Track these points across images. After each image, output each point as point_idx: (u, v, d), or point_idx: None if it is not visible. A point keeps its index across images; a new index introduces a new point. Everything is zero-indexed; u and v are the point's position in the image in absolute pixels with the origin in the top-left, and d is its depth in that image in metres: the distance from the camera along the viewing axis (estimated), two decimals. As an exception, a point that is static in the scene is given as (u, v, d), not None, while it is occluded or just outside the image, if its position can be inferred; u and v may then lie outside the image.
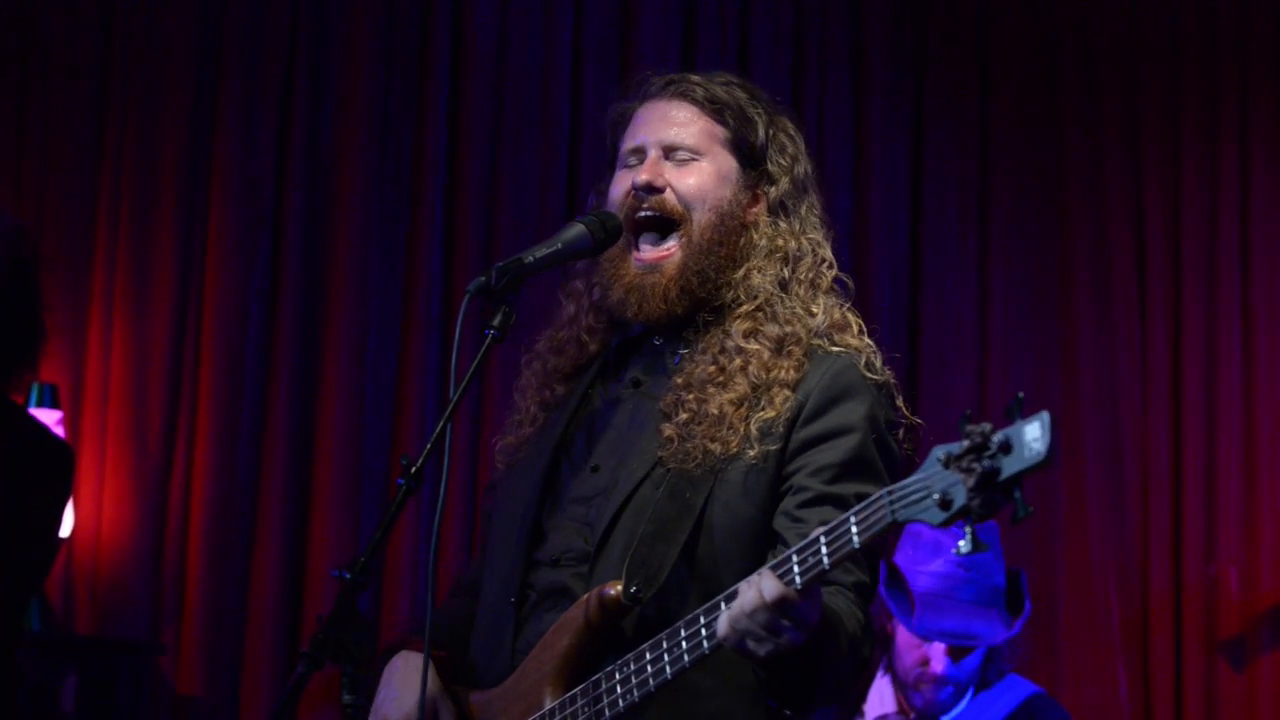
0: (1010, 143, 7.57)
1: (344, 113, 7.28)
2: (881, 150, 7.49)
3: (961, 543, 2.73)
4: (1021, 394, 2.73)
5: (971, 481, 2.70)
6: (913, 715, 5.57)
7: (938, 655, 5.46)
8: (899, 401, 3.45)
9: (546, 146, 7.33)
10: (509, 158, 7.32)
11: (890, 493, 2.85)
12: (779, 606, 2.93)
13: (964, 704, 5.54)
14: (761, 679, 3.16)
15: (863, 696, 5.69)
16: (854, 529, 2.89)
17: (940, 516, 2.75)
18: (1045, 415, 2.66)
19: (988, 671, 5.57)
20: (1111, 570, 7.21)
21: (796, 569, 2.93)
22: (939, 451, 2.77)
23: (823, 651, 3.09)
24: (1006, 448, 2.68)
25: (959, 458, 2.73)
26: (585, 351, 3.67)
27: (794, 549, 2.96)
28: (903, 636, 5.51)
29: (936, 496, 2.76)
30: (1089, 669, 7.15)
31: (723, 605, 3.04)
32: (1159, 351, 7.33)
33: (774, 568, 2.96)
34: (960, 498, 2.72)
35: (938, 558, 5.43)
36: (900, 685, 5.58)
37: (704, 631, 3.07)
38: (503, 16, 7.39)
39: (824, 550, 2.91)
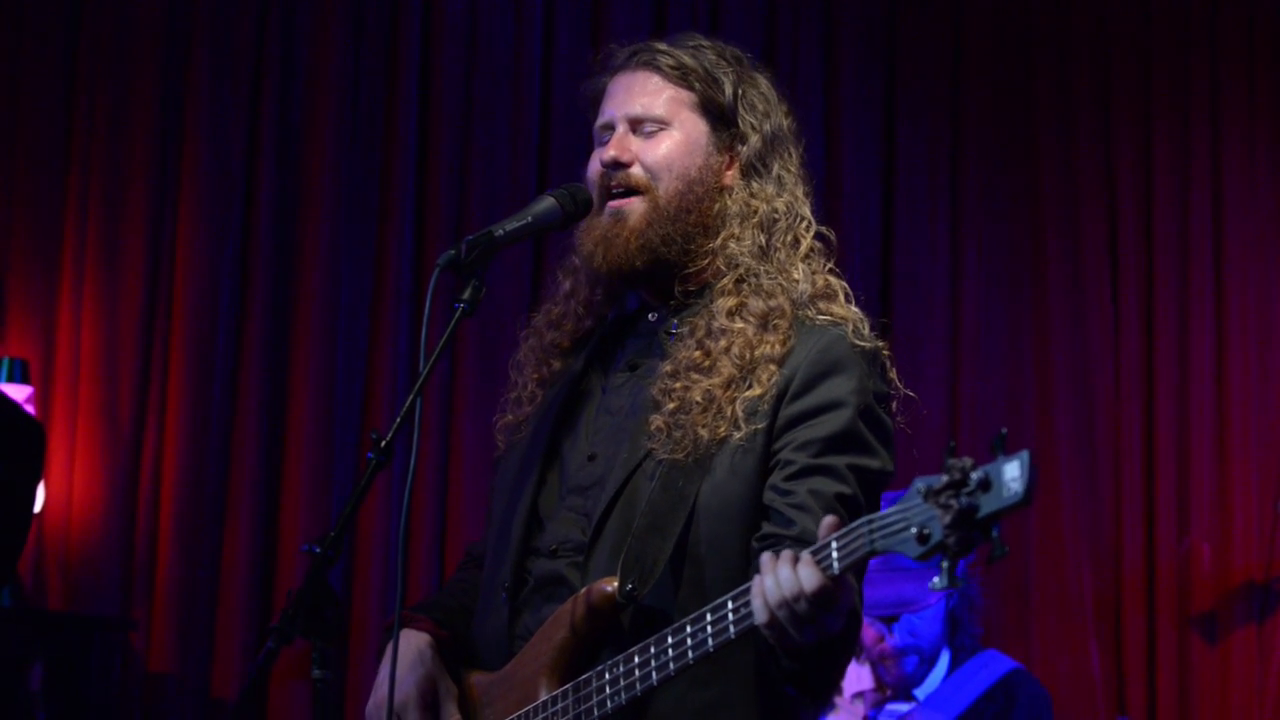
0: (982, 121, 7.59)
1: (314, 88, 7.26)
2: (853, 127, 7.50)
3: (935, 579, 2.71)
4: (1004, 430, 2.70)
5: (948, 518, 2.68)
6: (888, 691, 5.58)
7: (887, 629, 5.49)
8: (891, 373, 3.39)
9: (517, 121, 7.32)
10: (480, 133, 7.31)
11: (870, 522, 2.82)
12: (815, 597, 2.91)
13: (939, 674, 5.55)
14: (785, 669, 3.13)
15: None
16: (835, 555, 2.88)
17: (917, 550, 2.74)
18: (1025, 455, 2.64)
19: (958, 636, 5.58)
20: (1085, 546, 7.22)
21: (836, 554, 2.91)
22: (919, 483, 2.74)
23: (848, 638, 3.10)
24: (985, 485, 2.66)
25: (938, 492, 2.70)
26: (581, 326, 3.64)
27: (816, 546, 2.93)
28: None
29: (914, 530, 2.74)
30: (1062, 644, 7.17)
31: (708, 616, 3.04)
32: (1131, 328, 7.35)
33: (813, 552, 2.93)
34: (937, 533, 2.70)
35: None
36: (871, 664, 5.59)
37: (710, 630, 3.05)
38: (473, -5, 7.39)
39: (835, 558, 2.90)
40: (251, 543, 6.96)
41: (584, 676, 3.21)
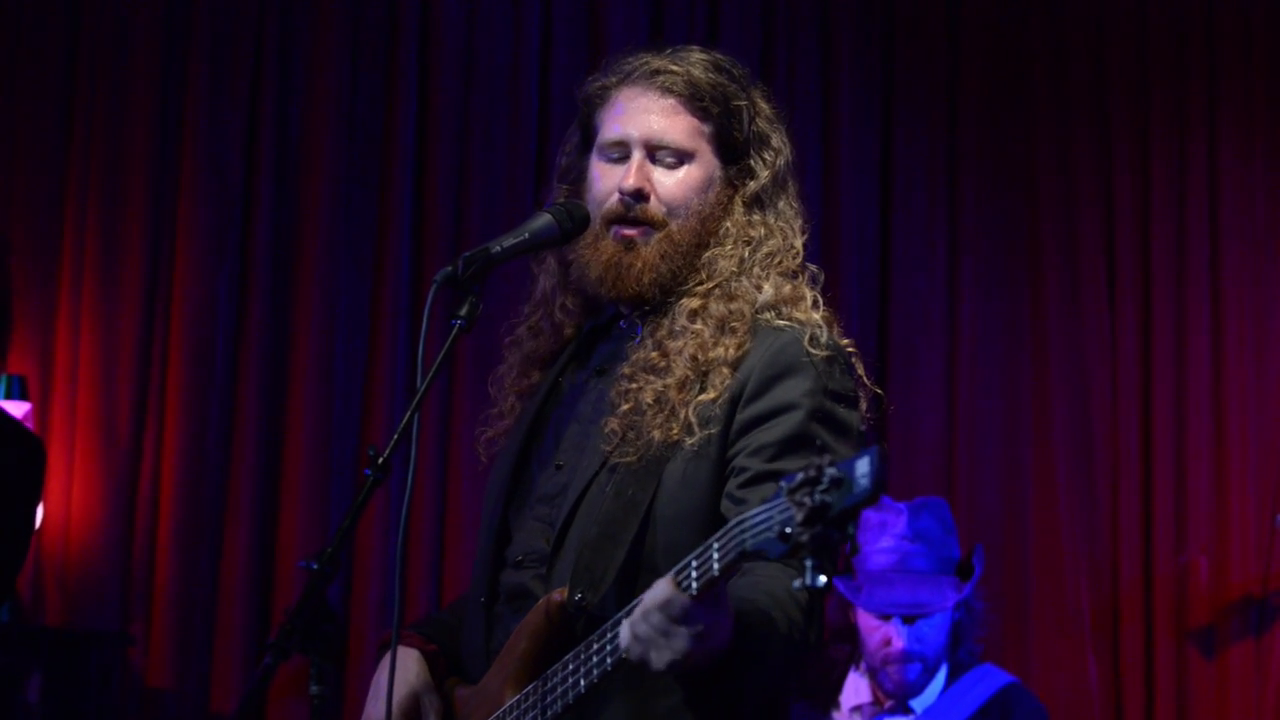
0: (979, 131, 7.58)
1: (312, 104, 7.26)
2: (850, 138, 7.50)
3: (794, 582, 2.70)
4: (863, 427, 2.71)
5: (801, 516, 2.67)
6: (887, 704, 5.58)
7: (897, 632, 5.49)
8: (859, 370, 3.40)
9: (515, 137, 7.32)
10: (477, 149, 7.31)
11: (741, 521, 2.81)
12: (665, 607, 2.90)
13: (937, 687, 5.56)
14: (684, 698, 3.14)
15: (838, 690, 5.70)
16: (715, 554, 2.86)
17: (780, 548, 2.72)
18: (874, 449, 2.63)
19: (958, 650, 5.59)
20: (1082, 560, 7.22)
21: (694, 578, 2.89)
22: (784, 482, 2.72)
23: (745, 663, 3.06)
24: (838, 482, 2.65)
25: (794, 490, 2.69)
26: (560, 336, 3.65)
27: (677, 565, 2.92)
28: (863, 621, 5.55)
29: (776, 529, 2.72)
30: (1059, 658, 7.17)
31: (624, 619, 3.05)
32: (1129, 340, 7.34)
33: (673, 574, 2.93)
34: (795, 531, 2.69)
35: (884, 535, 5.50)
36: (871, 672, 5.59)
37: (608, 646, 3.08)
38: (471, 6, 7.38)
39: (694, 575, 2.88)
40: (250, 558, 6.96)
41: (533, 684, 3.23)
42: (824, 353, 3.33)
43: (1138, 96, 7.51)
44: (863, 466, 2.63)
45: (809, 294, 3.45)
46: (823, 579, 2.68)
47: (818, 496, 2.65)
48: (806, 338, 3.33)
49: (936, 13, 7.62)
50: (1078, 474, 7.29)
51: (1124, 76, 7.52)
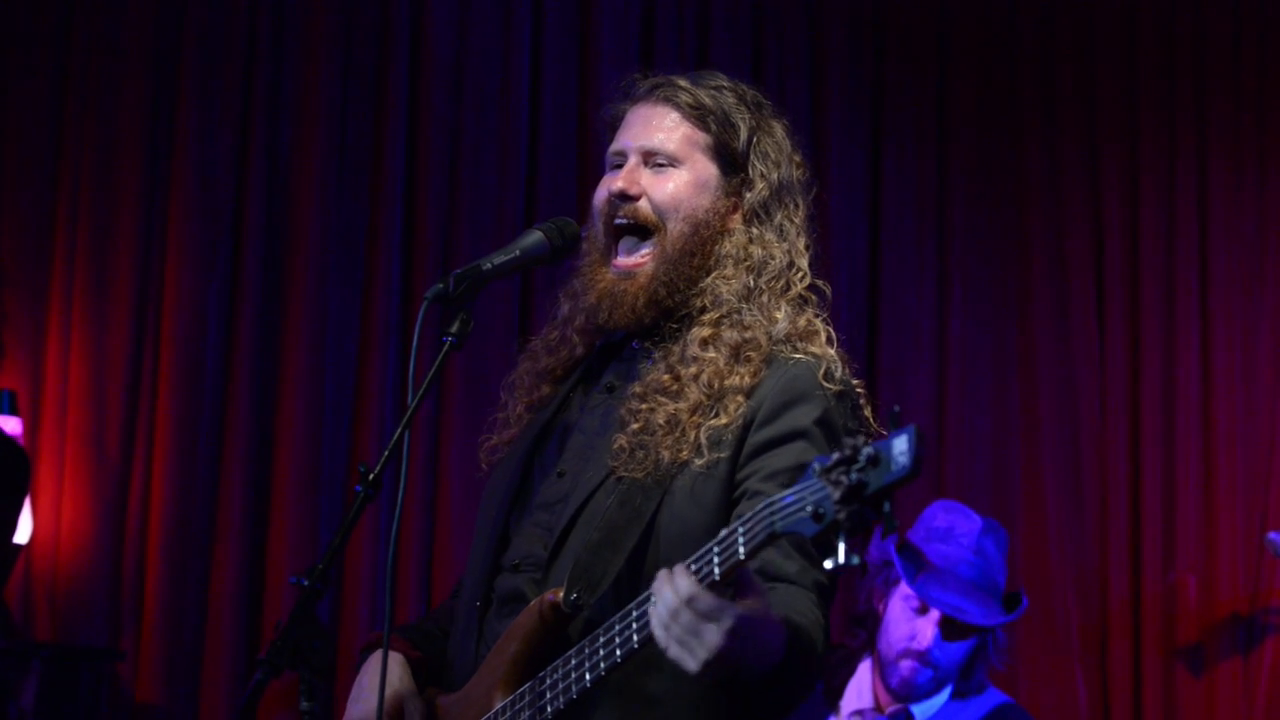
0: (969, 151, 7.60)
1: (302, 120, 7.27)
2: (840, 158, 7.51)
3: (827, 562, 2.69)
4: (898, 408, 2.70)
5: (838, 494, 2.67)
6: (888, 710, 5.57)
7: (927, 632, 5.48)
8: (866, 412, 3.42)
9: (505, 153, 7.33)
10: (468, 165, 7.32)
11: (770, 504, 2.82)
12: (690, 603, 2.90)
13: (940, 701, 5.55)
14: (674, 709, 3.17)
15: (840, 691, 5.70)
16: (740, 538, 2.88)
17: (813, 529, 2.72)
18: (912, 428, 2.64)
19: (969, 675, 5.58)
20: (1071, 578, 7.23)
21: (717, 564, 2.91)
22: (816, 463, 2.74)
23: (790, 665, 3.06)
24: (875, 461, 2.66)
25: (829, 470, 2.70)
26: (574, 353, 3.67)
27: (696, 554, 2.94)
28: (894, 611, 5.53)
29: (809, 509, 2.73)
30: (1048, 676, 7.17)
31: (634, 612, 3.05)
32: (1117, 360, 7.36)
33: (687, 566, 2.94)
34: (830, 511, 2.69)
35: (951, 538, 5.49)
36: (881, 665, 5.57)
37: (635, 626, 3.06)
38: (461, 24, 7.39)
39: (716, 561, 2.90)
40: (239, 574, 6.96)
41: (537, 677, 3.23)
42: (837, 388, 3.37)
43: (1127, 115, 7.53)
44: (900, 445, 2.64)
45: (823, 329, 3.47)
46: (856, 559, 2.68)
47: (854, 475, 2.66)
48: (821, 371, 3.37)
49: (926, 32, 7.64)
50: (1066, 492, 7.30)
51: (1113, 95, 7.54)
